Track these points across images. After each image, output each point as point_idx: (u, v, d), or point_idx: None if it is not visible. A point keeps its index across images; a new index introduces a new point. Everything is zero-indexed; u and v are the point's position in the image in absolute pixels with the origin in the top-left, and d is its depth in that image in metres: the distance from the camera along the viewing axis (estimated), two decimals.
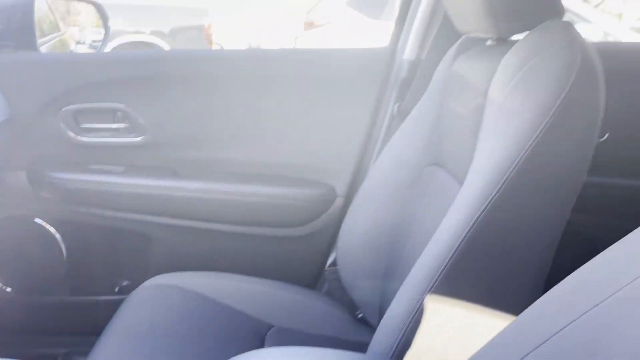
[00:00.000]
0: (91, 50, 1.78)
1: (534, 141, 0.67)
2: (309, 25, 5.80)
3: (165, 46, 5.84)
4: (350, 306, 1.14)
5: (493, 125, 0.73)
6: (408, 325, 0.70)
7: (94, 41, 1.78)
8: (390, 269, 1.02)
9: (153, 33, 5.86)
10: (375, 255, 1.05)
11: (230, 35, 10.91)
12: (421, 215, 0.98)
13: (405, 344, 0.68)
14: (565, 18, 0.75)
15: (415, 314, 0.70)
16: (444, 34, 1.16)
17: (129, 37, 5.53)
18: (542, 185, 0.70)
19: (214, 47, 7.57)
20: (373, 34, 4.58)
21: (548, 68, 0.68)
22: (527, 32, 0.76)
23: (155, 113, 1.27)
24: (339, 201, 1.30)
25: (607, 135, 1.28)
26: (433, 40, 1.19)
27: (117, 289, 1.35)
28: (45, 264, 1.30)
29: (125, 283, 1.35)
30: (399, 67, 1.24)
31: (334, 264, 1.23)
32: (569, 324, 0.37)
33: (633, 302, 0.34)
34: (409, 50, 1.23)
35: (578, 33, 0.72)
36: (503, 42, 0.83)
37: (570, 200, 0.73)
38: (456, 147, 0.89)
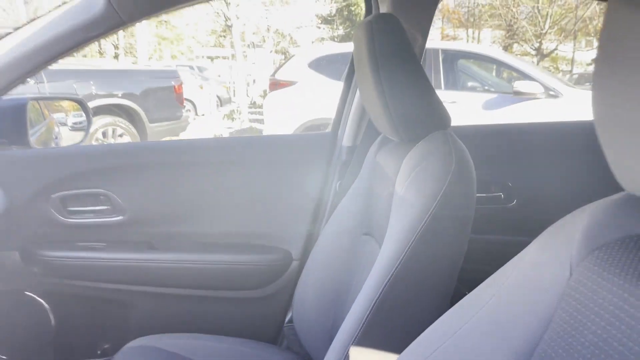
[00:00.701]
0: (73, 132, 1.98)
1: (424, 224, 0.90)
2: (274, 85, 6.12)
3: (137, 107, 6.09)
4: (306, 359, 1.32)
5: (397, 210, 0.97)
6: None
7: (74, 124, 1.98)
8: (336, 325, 1.22)
9: (124, 95, 6.09)
10: (324, 312, 1.25)
11: (199, 91, 11.23)
12: (358, 277, 1.20)
13: None
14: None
15: None
16: (373, 125, 1.41)
17: (101, 100, 5.76)
18: (433, 254, 0.92)
19: (185, 104, 7.84)
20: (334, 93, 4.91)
21: (432, 170, 0.92)
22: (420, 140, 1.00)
23: (133, 196, 1.47)
24: (294, 264, 1.52)
25: (515, 201, 1.54)
26: (365, 131, 1.45)
27: (99, 352, 1.50)
28: (35, 332, 1.45)
29: (106, 346, 1.51)
30: (340, 151, 1.49)
31: (291, 320, 1.42)
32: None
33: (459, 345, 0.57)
34: (346, 138, 1.48)
35: (455, 141, 0.97)
36: (407, 143, 1.08)
37: (457, 261, 0.95)
38: (379, 222, 1.12)
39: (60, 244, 1.46)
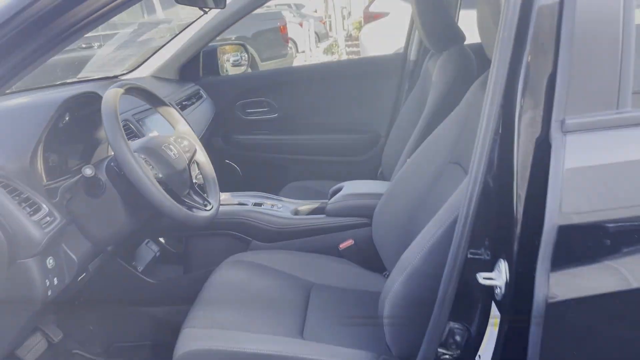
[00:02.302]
0: (232, 67, 2.96)
1: (444, 94, 1.72)
2: (369, 17, 6.77)
3: (249, 48, 7.02)
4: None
5: (433, 89, 1.79)
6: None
7: (234, 61, 2.94)
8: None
9: (238, 38, 6.94)
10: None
11: (299, 29, 11.98)
12: None
13: None
14: None
15: None
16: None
17: (217, 43, 6.75)
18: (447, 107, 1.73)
19: (289, 43, 8.71)
20: None
21: (450, 66, 1.73)
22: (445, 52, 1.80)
23: (283, 101, 2.43)
24: (382, 139, 2.40)
25: None
26: (423, 47, 2.25)
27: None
28: (230, 181, 2.49)
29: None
30: (408, 63, 2.32)
31: (382, 172, 2.31)
32: None
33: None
34: (412, 54, 2.30)
35: (466, 51, 1.75)
36: (439, 52, 1.86)
37: None
38: (426, 100, 1.95)
39: (243, 131, 2.48)
